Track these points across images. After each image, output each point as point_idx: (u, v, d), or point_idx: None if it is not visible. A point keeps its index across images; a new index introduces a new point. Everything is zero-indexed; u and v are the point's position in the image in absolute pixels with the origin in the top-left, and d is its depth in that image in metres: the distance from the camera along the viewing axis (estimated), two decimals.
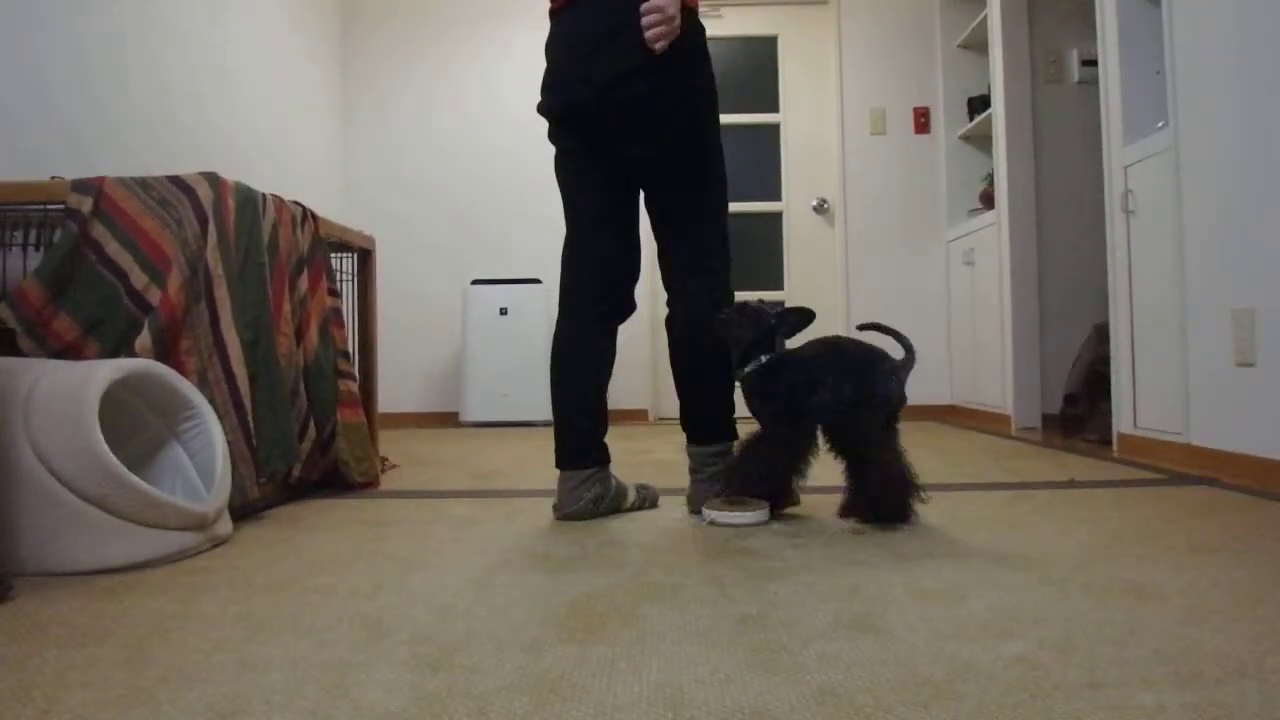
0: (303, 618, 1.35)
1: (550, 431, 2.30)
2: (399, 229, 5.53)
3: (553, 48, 2.28)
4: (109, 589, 1.55)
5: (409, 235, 5.57)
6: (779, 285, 5.56)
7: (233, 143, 4.10)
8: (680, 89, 2.12)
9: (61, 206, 2.15)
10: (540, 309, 5.19)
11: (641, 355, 5.36)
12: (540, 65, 2.32)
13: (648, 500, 2.32)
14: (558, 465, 2.24)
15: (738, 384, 2.20)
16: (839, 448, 2.13)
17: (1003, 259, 4.55)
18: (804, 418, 2.09)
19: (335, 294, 2.78)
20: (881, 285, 5.44)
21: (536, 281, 5.25)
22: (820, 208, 5.56)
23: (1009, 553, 1.73)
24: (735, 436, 2.25)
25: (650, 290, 5.57)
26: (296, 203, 2.61)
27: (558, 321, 2.32)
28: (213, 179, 2.20)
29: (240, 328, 2.19)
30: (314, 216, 2.68)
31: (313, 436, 2.54)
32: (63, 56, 2.90)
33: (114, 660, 1.16)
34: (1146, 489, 2.51)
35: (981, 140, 5.19)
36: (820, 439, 2.12)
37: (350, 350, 2.88)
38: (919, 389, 5.45)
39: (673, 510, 2.27)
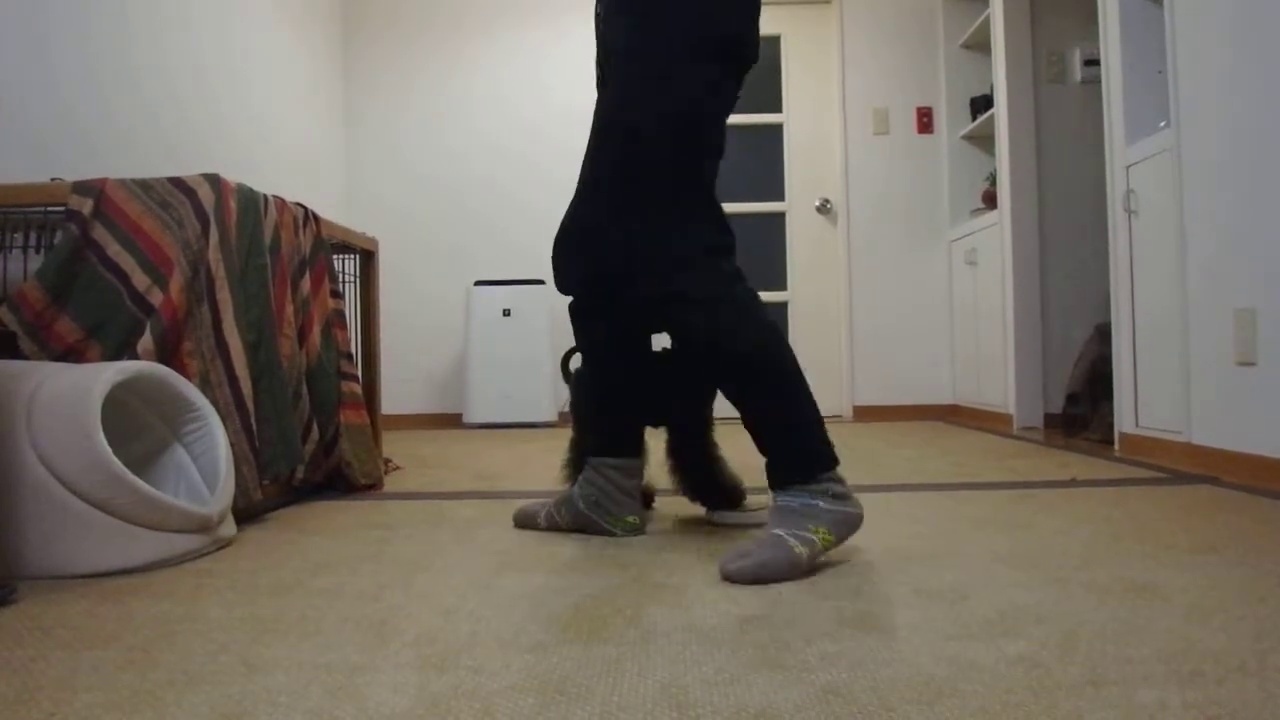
0: (307, 620, 1.36)
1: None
2: (402, 230, 5.54)
3: None
4: (113, 591, 1.55)
5: (412, 236, 5.57)
6: (782, 286, 5.56)
7: (236, 144, 4.10)
8: None
9: (62, 208, 2.15)
10: (543, 310, 5.19)
11: None
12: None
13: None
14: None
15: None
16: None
17: (1005, 259, 4.55)
18: None
19: (338, 295, 2.78)
20: (884, 285, 5.45)
21: (539, 282, 5.25)
22: (823, 208, 5.56)
23: (1011, 552, 1.73)
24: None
25: None
26: (299, 204, 2.61)
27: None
28: (214, 180, 2.20)
29: (242, 329, 2.19)
30: (316, 218, 2.69)
31: (316, 438, 2.54)
32: (72, 58, 2.91)
33: (119, 663, 1.16)
34: (1148, 488, 2.51)
35: (984, 140, 5.19)
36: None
37: (353, 352, 2.89)
38: (921, 388, 5.49)
39: (675, 511, 2.27)
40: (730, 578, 1.55)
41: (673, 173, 1.79)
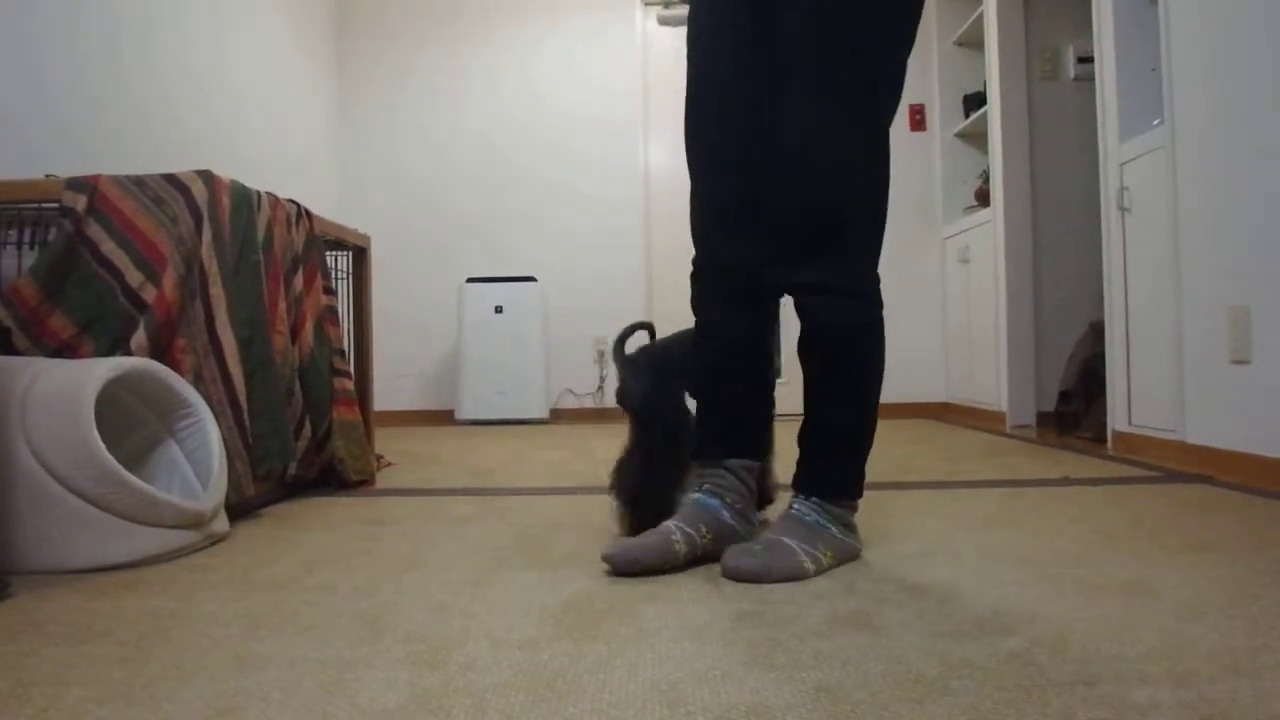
0: (300, 615, 1.35)
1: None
2: (394, 227, 5.53)
3: None
4: (106, 587, 1.55)
5: (404, 233, 5.57)
6: None
7: (229, 141, 4.09)
8: None
9: (56, 205, 2.15)
10: (535, 307, 5.19)
11: None
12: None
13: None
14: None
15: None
16: None
17: (998, 256, 4.56)
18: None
19: (330, 292, 2.78)
20: None
21: (531, 279, 5.24)
22: None
23: (1004, 550, 1.73)
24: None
25: (648, 282, 5.59)
26: (292, 201, 2.61)
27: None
28: (207, 177, 2.19)
29: (236, 326, 2.19)
30: (309, 214, 2.68)
31: (308, 434, 2.54)
32: (62, 55, 2.90)
33: (112, 658, 1.16)
34: (1141, 486, 2.51)
35: (977, 138, 5.19)
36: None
37: (346, 348, 2.88)
38: (914, 386, 5.49)
39: None
40: (731, 572, 1.54)
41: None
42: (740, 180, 1.73)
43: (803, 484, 1.71)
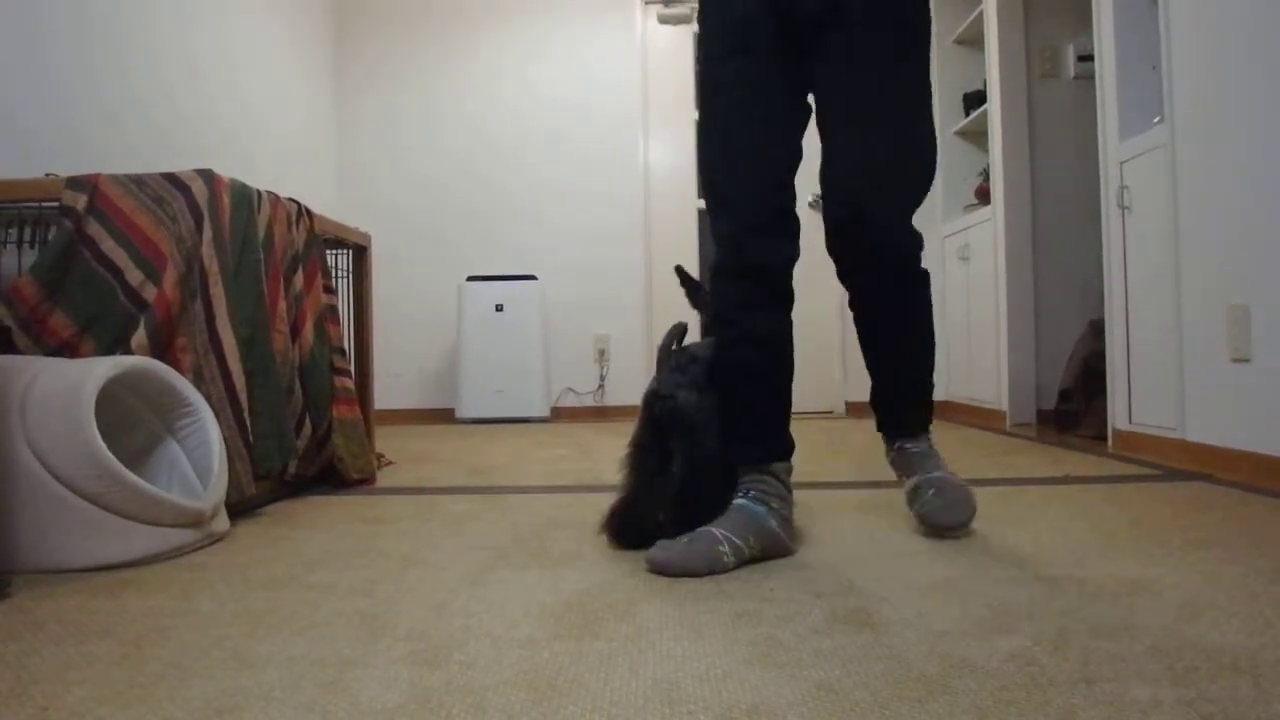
0: (300, 614, 1.35)
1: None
2: (394, 225, 5.53)
3: None
4: (106, 586, 1.55)
5: (404, 231, 5.57)
6: None
7: (229, 138, 4.09)
8: None
9: (56, 204, 2.15)
10: (535, 306, 5.19)
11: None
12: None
13: None
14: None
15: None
16: None
17: (998, 255, 4.55)
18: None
19: (330, 290, 2.78)
20: None
21: (532, 278, 5.24)
22: (815, 204, 5.55)
23: (1004, 548, 1.73)
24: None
25: (648, 280, 5.58)
26: (292, 199, 2.61)
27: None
28: (207, 176, 2.19)
29: (236, 325, 2.19)
30: (309, 213, 2.68)
31: (309, 433, 2.54)
32: (65, 51, 2.90)
33: (112, 657, 1.16)
34: (1141, 484, 2.51)
35: (977, 136, 5.18)
36: None
37: (346, 347, 2.88)
38: None
39: None
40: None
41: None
42: (772, 195, 1.77)
43: (893, 432, 1.97)
